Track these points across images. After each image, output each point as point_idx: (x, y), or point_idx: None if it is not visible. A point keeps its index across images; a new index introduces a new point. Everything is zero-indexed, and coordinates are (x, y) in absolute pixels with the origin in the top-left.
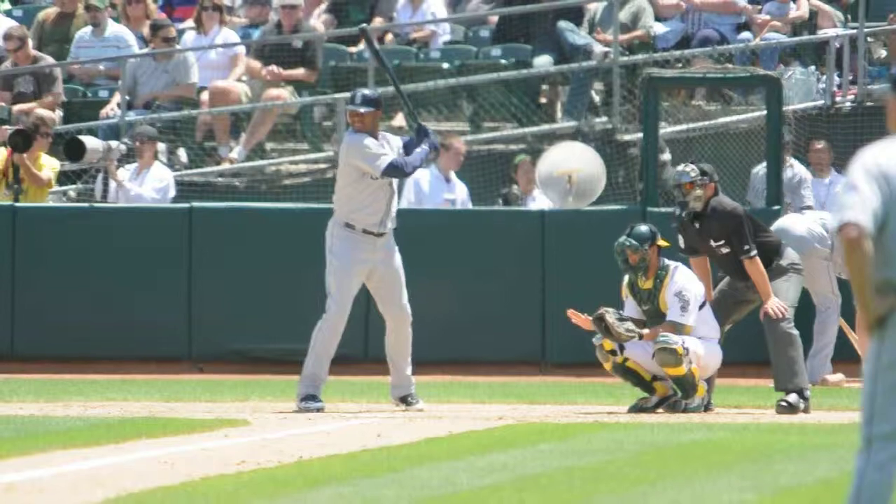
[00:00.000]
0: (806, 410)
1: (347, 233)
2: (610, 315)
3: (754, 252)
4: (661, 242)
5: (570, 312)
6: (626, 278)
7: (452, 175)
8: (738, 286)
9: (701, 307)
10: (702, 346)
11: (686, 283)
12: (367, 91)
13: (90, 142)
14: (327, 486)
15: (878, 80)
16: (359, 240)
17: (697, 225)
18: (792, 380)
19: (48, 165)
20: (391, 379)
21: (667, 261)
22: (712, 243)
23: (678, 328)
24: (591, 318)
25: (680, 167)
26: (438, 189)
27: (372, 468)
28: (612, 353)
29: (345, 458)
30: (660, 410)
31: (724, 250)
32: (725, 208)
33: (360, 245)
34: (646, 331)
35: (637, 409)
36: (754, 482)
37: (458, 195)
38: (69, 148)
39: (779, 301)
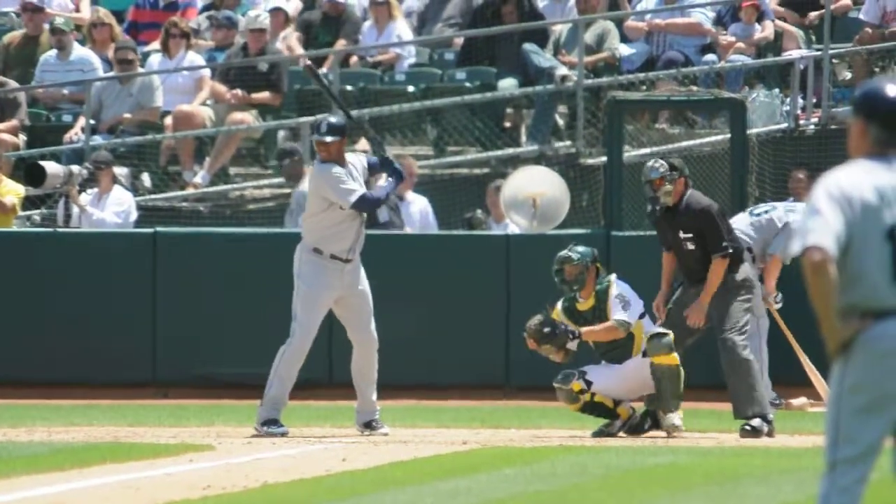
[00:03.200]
0: (770, 434)
1: (315, 258)
2: (537, 325)
3: (730, 251)
4: (598, 266)
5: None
6: (559, 305)
7: (409, 194)
8: (691, 296)
9: (640, 317)
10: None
11: (625, 291)
12: (332, 119)
13: (51, 167)
14: None
15: (842, 103)
16: (326, 265)
17: (670, 218)
18: (752, 407)
19: (13, 191)
20: (356, 405)
21: (603, 276)
22: (681, 234)
23: (622, 325)
24: (532, 337)
25: (650, 163)
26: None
27: (337, 493)
28: (581, 392)
29: (310, 483)
30: (622, 434)
31: (690, 246)
32: (701, 203)
33: (327, 271)
34: (585, 329)
35: (601, 434)
36: None
37: (414, 213)
38: (30, 173)
39: (700, 314)
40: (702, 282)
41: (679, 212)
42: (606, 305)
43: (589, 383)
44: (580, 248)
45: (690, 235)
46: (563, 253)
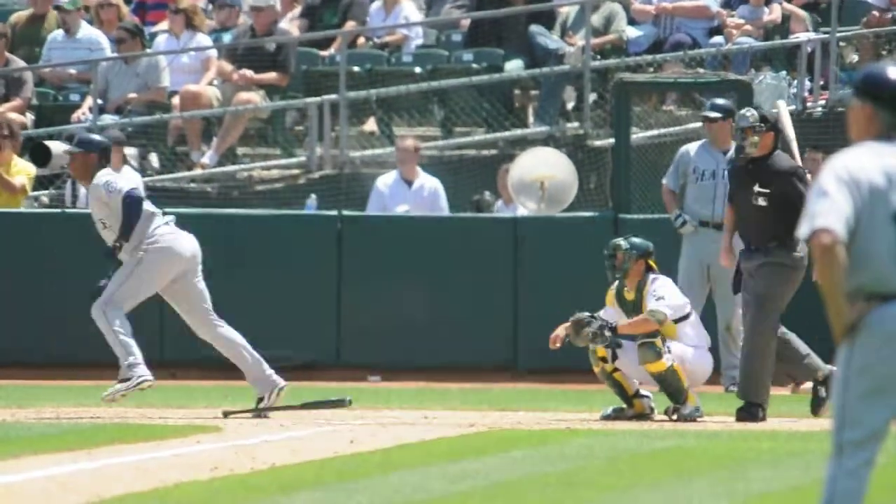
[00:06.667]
0: (762, 419)
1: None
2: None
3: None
4: (652, 262)
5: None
6: (615, 287)
7: (419, 176)
8: (751, 267)
9: (686, 318)
10: (689, 351)
11: (664, 287)
12: None
13: (56, 147)
14: (300, 492)
15: (849, 86)
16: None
17: (752, 171)
18: (752, 393)
19: (23, 171)
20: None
21: (651, 274)
22: (756, 188)
23: (654, 315)
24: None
25: (742, 111)
26: (397, 198)
27: (344, 475)
28: (603, 360)
29: (317, 465)
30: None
31: (762, 201)
32: (786, 165)
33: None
34: (624, 320)
35: (610, 417)
36: (726, 489)
37: (423, 196)
38: (35, 153)
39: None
40: (760, 250)
41: (763, 167)
42: (643, 300)
43: (615, 357)
44: (634, 240)
45: (767, 192)
46: (617, 240)
